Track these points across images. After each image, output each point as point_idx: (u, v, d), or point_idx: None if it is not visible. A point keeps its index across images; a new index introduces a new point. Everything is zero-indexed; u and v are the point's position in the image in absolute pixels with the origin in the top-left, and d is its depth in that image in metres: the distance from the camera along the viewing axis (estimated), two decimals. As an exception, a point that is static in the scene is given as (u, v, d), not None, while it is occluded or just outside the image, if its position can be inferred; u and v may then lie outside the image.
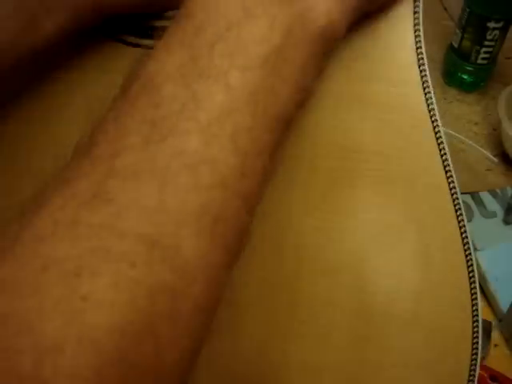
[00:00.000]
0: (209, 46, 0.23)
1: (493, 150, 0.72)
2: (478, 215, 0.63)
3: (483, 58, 0.76)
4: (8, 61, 0.28)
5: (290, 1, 0.24)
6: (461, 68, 0.78)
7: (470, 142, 0.72)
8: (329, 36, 0.25)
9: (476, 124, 0.75)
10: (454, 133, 0.73)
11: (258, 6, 0.23)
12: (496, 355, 0.54)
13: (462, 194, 0.65)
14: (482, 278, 0.58)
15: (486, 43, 0.74)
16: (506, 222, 0.63)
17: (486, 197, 0.65)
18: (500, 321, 0.56)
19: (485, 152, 0.71)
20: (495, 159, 0.71)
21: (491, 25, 0.72)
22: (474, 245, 0.61)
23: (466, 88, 0.79)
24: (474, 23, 0.73)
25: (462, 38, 0.76)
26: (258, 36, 0.23)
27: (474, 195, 0.65)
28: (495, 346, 0.55)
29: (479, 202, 0.64)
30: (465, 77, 0.78)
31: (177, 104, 0.22)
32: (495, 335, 0.55)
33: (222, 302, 0.23)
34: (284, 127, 0.25)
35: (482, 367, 0.52)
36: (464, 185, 0.68)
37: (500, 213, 0.63)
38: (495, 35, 0.73)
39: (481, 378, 0.51)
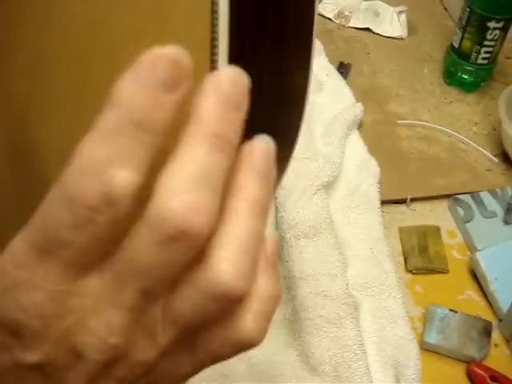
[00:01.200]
0: None
1: (493, 150, 0.72)
2: (478, 215, 0.63)
3: (483, 58, 0.76)
4: None
5: None
6: (461, 68, 0.78)
7: (470, 142, 0.72)
8: None
9: (476, 124, 0.75)
10: (454, 133, 0.73)
11: None
12: (496, 355, 0.54)
13: (462, 194, 0.65)
14: (482, 277, 0.58)
15: (487, 43, 0.74)
16: (506, 221, 0.63)
17: (486, 197, 0.65)
18: (500, 321, 0.56)
19: (485, 152, 0.71)
20: (495, 159, 0.71)
21: (491, 25, 0.72)
22: (474, 245, 0.61)
23: (466, 88, 0.79)
24: (474, 23, 0.73)
25: (463, 38, 0.76)
26: None
27: (474, 195, 0.65)
28: (495, 346, 0.55)
29: (479, 202, 0.64)
30: (465, 77, 0.78)
31: None
32: (495, 335, 0.55)
33: None
34: None
35: (483, 367, 0.52)
36: (464, 185, 0.68)
37: (500, 213, 0.63)
38: (495, 35, 0.73)
39: (481, 378, 0.51)
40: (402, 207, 0.66)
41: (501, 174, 0.69)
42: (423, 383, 0.51)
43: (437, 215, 0.65)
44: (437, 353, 0.54)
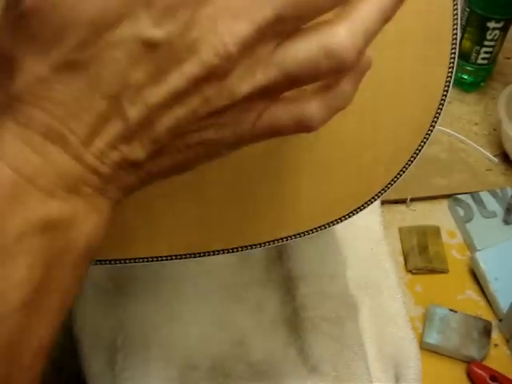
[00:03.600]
0: None
1: (493, 150, 0.72)
2: (478, 215, 0.63)
3: (483, 58, 0.76)
4: None
5: (50, 234, 0.22)
6: (461, 68, 0.78)
7: (470, 142, 0.72)
8: (92, 251, 0.24)
9: (476, 124, 0.75)
10: (454, 133, 0.73)
11: (15, 245, 0.22)
12: (496, 355, 0.54)
13: (462, 194, 0.65)
14: (482, 277, 0.58)
15: (486, 43, 0.74)
16: (506, 221, 0.63)
17: (486, 197, 0.65)
18: (500, 321, 0.56)
19: (485, 152, 0.71)
20: (495, 159, 0.71)
21: (491, 25, 0.72)
22: (474, 245, 0.61)
23: (466, 88, 0.79)
24: (474, 23, 0.73)
25: (462, 38, 0.76)
26: (17, 280, 0.22)
27: (474, 195, 0.65)
28: (495, 346, 0.55)
29: (479, 202, 0.64)
30: (465, 77, 0.78)
31: None
32: (495, 335, 0.55)
33: None
34: (44, 356, 0.24)
35: (482, 367, 0.52)
36: (464, 185, 0.68)
37: (500, 213, 0.63)
38: (495, 35, 0.73)
39: (481, 378, 0.51)
40: (402, 207, 0.66)
41: (501, 174, 0.69)
42: (423, 383, 0.51)
43: (437, 215, 0.65)
44: (437, 353, 0.54)
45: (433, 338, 0.54)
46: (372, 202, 0.37)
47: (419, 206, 0.66)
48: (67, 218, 0.22)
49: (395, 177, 0.37)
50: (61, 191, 0.22)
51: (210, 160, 0.25)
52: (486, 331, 0.54)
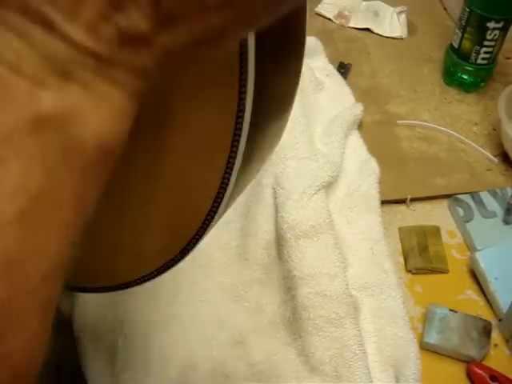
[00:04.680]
0: None
1: (493, 150, 0.72)
2: (477, 215, 0.63)
3: (483, 58, 0.76)
4: None
5: (46, 133, 0.18)
6: (461, 68, 0.78)
7: (470, 142, 0.72)
8: (110, 153, 0.20)
9: (476, 124, 0.76)
10: (453, 133, 0.73)
11: (4, 147, 0.18)
12: (496, 355, 0.54)
13: (462, 194, 0.65)
14: (482, 277, 0.58)
15: (486, 43, 0.74)
16: (506, 221, 0.63)
17: (485, 197, 0.65)
18: (500, 321, 0.56)
19: (485, 152, 0.71)
20: (495, 159, 0.71)
21: (491, 25, 0.72)
22: (473, 245, 0.61)
23: (465, 88, 0.79)
24: (474, 23, 0.73)
25: (462, 38, 0.76)
26: (9, 187, 0.18)
27: (474, 195, 0.65)
28: (495, 346, 0.55)
29: (479, 202, 0.64)
30: (465, 77, 0.78)
31: None
32: (495, 335, 0.55)
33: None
34: (59, 277, 0.20)
35: (482, 367, 0.52)
36: (464, 185, 0.68)
37: (500, 213, 0.63)
38: (495, 35, 0.73)
39: (481, 378, 0.51)
40: (402, 207, 0.66)
41: (500, 174, 0.69)
42: (423, 383, 0.51)
43: (437, 215, 0.65)
44: (437, 353, 0.54)
45: (433, 338, 0.54)
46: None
47: (419, 206, 0.66)
48: (65, 111, 0.19)
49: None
50: (52, 79, 0.18)
51: (247, 28, 0.21)
52: (486, 331, 0.54)
